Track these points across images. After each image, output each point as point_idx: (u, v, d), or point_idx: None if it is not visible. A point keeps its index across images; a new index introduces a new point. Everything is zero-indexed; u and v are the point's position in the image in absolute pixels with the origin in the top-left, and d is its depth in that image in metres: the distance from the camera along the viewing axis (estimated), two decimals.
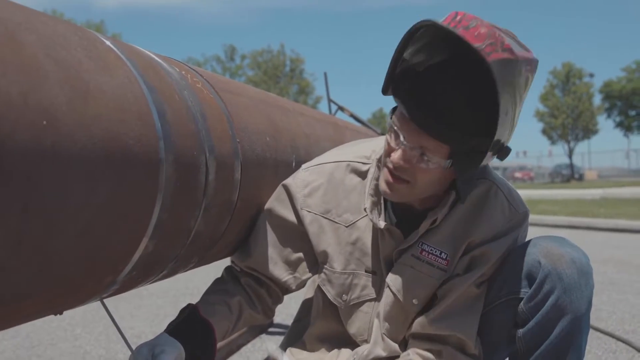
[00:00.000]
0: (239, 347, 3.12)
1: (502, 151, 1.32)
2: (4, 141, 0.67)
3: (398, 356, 1.52)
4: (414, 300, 1.48)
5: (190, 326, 1.42)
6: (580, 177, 46.97)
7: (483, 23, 1.21)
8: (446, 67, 1.26)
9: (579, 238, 7.82)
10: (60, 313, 1.04)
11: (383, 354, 1.52)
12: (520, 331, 1.44)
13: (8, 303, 0.80)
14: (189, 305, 1.48)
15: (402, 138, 1.31)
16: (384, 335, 1.53)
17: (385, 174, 1.40)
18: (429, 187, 1.40)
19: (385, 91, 1.37)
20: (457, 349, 1.46)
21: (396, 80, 1.34)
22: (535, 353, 1.42)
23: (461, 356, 1.45)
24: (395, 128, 1.33)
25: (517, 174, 51.31)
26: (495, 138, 1.24)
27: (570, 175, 46.48)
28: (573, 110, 46.23)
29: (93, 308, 4.19)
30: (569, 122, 46.31)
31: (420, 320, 1.48)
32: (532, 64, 1.28)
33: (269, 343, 1.32)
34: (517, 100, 1.27)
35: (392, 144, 1.35)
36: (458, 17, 1.22)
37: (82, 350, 3.27)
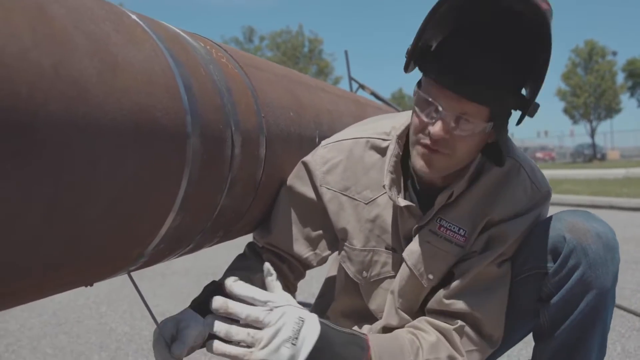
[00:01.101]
0: None
1: (534, 107, 1.30)
2: (37, 111, 0.68)
3: None
4: (429, 275, 1.46)
5: None
6: (603, 157, 46.50)
7: None
8: (477, 33, 1.24)
9: (602, 217, 7.72)
10: (91, 284, 1.05)
11: (394, 324, 1.52)
12: (545, 306, 1.43)
13: (41, 272, 0.81)
14: (213, 282, 1.50)
15: (440, 108, 1.27)
16: (397, 309, 1.52)
17: (419, 151, 1.36)
18: (468, 155, 1.37)
19: (408, 66, 1.35)
20: (475, 330, 1.43)
21: (422, 52, 1.31)
22: (560, 328, 1.41)
23: (475, 336, 1.42)
24: (430, 99, 1.29)
25: (539, 154, 51.04)
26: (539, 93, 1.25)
27: (592, 155, 46.06)
28: (595, 89, 45.70)
29: (118, 287, 4.26)
30: (591, 101, 45.79)
31: (436, 296, 1.46)
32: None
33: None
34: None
35: (426, 118, 1.30)
36: None
37: (108, 327, 3.33)
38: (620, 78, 48.56)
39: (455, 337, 1.41)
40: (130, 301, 3.88)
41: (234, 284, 1.24)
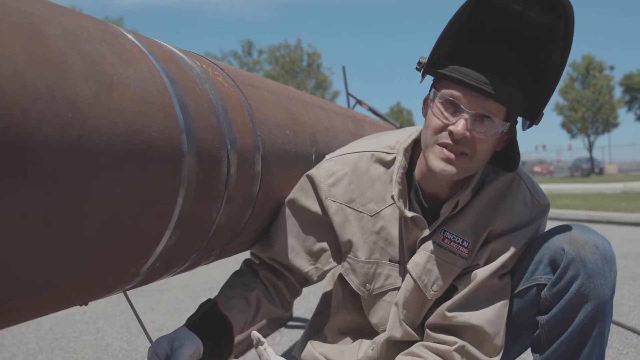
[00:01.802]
0: None
1: (540, 115, 1.38)
2: (31, 133, 0.68)
3: (413, 341, 1.52)
4: (433, 287, 1.48)
5: (209, 321, 1.43)
6: (601, 171, 46.46)
7: None
8: (501, 38, 1.32)
9: (600, 232, 7.73)
10: (86, 304, 1.05)
11: (398, 336, 1.52)
12: (544, 318, 1.44)
13: (34, 293, 0.81)
14: (209, 300, 1.50)
15: (462, 106, 1.31)
16: (401, 321, 1.52)
17: (439, 152, 1.37)
18: (485, 157, 1.40)
19: (424, 74, 1.41)
20: (474, 342, 1.44)
21: (444, 55, 1.35)
22: (559, 340, 1.42)
23: (477, 352, 1.44)
24: (452, 99, 1.33)
25: (536, 168, 51.00)
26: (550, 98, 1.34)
27: (590, 169, 46.01)
28: (593, 104, 45.72)
29: (114, 302, 4.24)
30: (588, 115, 45.81)
31: (438, 310, 1.47)
32: None
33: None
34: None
35: (446, 119, 1.34)
36: None
37: (104, 343, 3.30)
38: (617, 92, 48.74)
39: (457, 357, 1.43)
40: (127, 317, 3.86)
41: None
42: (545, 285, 1.43)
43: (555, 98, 47.72)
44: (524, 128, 1.42)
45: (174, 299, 4.39)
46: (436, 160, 1.37)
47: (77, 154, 0.76)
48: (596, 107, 45.66)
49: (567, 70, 46.87)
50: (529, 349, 1.55)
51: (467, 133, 1.31)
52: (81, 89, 0.78)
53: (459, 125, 1.31)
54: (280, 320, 3.59)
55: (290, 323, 3.65)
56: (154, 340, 1.31)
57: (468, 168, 1.39)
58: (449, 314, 1.45)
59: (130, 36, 1.05)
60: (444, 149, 1.36)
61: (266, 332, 3.36)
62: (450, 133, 1.33)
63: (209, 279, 5.01)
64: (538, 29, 1.28)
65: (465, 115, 1.31)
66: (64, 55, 0.78)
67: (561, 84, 46.71)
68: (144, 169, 0.91)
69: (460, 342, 1.43)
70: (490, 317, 1.44)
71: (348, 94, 4.19)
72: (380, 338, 1.57)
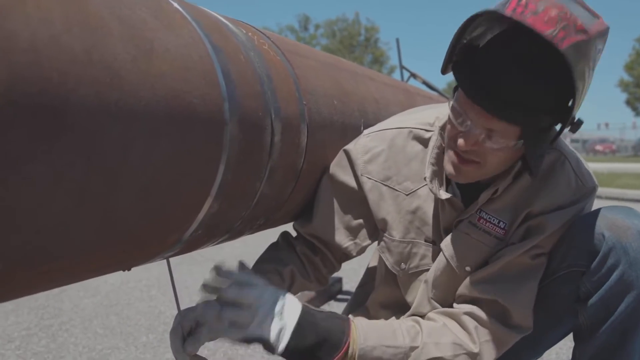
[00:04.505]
0: None
1: (575, 124, 1.23)
2: (67, 96, 0.68)
3: None
4: (466, 268, 1.43)
5: None
6: None
7: (552, 3, 1.11)
8: (513, 46, 1.18)
9: None
10: (129, 269, 1.06)
11: (425, 312, 1.49)
12: (584, 306, 1.38)
13: (73, 256, 0.82)
14: None
15: (468, 122, 1.24)
16: (430, 299, 1.49)
17: (451, 156, 1.34)
18: (499, 166, 1.34)
19: (445, 69, 1.32)
20: (497, 317, 1.38)
21: (457, 61, 1.27)
22: (600, 329, 1.36)
23: (496, 323, 1.37)
24: (460, 111, 1.26)
25: (598, 147, 49.72)
26: (572, 115, 1.18)
27: None
28: None
29: (168, 272, 4.32)
30: None
31: (465, 282, 1.43)
32: (604, 34, 1.19)
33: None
34: (591, 73, 1.19)
35: (458, 126, 1.28)
36: (523, 0, 1.12)
37: (157, 311, 3.39)
38: None
39: (466, 320, 1.38)
40: (179, 286, 3.94)
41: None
42: (584, 272, 1.36)
43: (620, 74, 46.27)
44: (552, 140, 1.29)
45: None
46: (447, 163, 1.36)
47: (116, 118, 0.76)
48: None
49: (634, 45, 45.27)
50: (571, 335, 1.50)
51: (470, 147, 1.26)
52: (119, 53, 0.78)
53: (463, 139, 1.26)
54: (330, 293, 3.60)
55: (339, 296, 3.66)
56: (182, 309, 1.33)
57: (480, 174, 1.34)
58: (474, 287, 1.40)
59: (174, 3, 1.04)
60: (454, 155, 1.33)
61: (315, 304, 3.38)
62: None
63: (260, 249, 5.06)
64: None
65: (472, 129, 1.24)
66: (102, 20, 0.77)
67: (626, 59, 45.25)
68: (184, 136, 0.91)
69: (476, 309, 1.38)
70: (516, 293, 1.38)
71: (402, 67, 4.14)
72: (406, 315, 1.55)
